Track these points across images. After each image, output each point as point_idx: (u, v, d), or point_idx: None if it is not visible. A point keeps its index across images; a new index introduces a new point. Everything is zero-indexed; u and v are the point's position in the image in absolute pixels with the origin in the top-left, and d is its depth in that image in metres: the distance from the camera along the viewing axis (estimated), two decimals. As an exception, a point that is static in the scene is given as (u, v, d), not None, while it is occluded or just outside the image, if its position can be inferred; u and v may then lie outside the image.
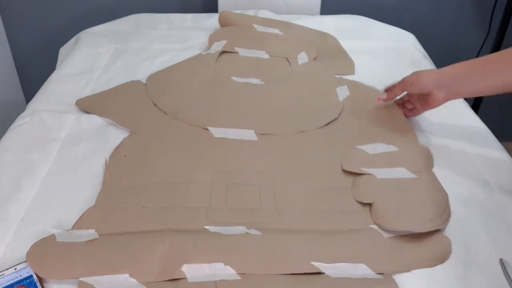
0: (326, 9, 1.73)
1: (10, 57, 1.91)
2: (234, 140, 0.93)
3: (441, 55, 1.78)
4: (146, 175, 0.83)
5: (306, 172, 0.86)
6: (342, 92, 1.10)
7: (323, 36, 1.37)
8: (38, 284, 0.63)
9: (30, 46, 1.90)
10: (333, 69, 1.21)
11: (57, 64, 1.36)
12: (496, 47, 1.68)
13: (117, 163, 0.85)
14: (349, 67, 1.23)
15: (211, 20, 1.48)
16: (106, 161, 0.86)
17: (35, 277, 0.64)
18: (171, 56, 1.26)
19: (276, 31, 1.35)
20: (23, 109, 1.03)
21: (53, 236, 0.69)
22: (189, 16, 1.51)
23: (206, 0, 1.79)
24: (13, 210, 0.76)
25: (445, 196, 0.79)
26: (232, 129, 0.96)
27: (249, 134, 0.95)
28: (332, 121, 1.00)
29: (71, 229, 0.72)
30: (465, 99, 1.10)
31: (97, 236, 0.69)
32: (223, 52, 1.25)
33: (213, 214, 0.75)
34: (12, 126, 0.97)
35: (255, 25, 1.36)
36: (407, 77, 0.94)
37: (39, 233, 0.72)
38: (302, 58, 1.24)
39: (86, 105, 1.03)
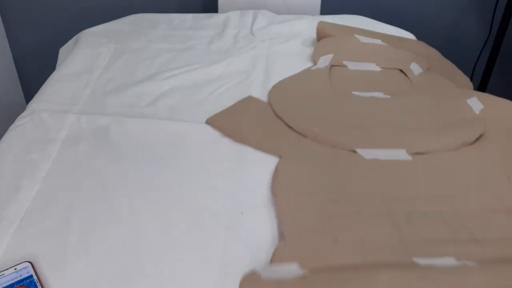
0: (326, 9, 1.73)
1: (10, 57, 1.91)
2: (387, 161, 0.86)
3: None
4: (320, 205, 0.77)
5: (484, 192, 0.79)
6: (475, 105, 1.03)
7: (424, 46, 1.31)
8: (38, 284, 0.63)
9: (30, 46, 1.90)
10: (451, 81, 1.13)
11: (57, 64, 1.36)
12: (496, 47, 1.68)
13: (284, 192, 0.79)
14: (464, 81, 1.15)
15: (211, 20, 1.48)
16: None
17: (35, 277, 0.64)
18: (171, 56, 1.26)
19: (378, 41, 1.29)
20: (23, 109, 1.03)
21: (257, 275, 0.65)
22: (189, 16, 1.51)
23: (206, 0, 1.79)
24: (13, 210, 0.76)
25: None
26: (382, 149, 0.88)
27: (401, 154, 0.87)
28: (480, 136, 0.93)
29: (270, 264, 0.68)
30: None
31: (300, 271, 0.65)
32: (331, 66, 1.19)
33: (412, 247, 0.69)
34: (12, 126, 0.97)
35: (357, 36, 1.30)
36: None
37: (39, 233, 0.72)
38: (415, 69, 1.18)
39: (219, 125, 0.97)
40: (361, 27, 1.47)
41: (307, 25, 1.44)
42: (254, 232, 0.74)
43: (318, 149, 0.90)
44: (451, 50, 1.89)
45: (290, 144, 0.92)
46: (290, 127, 0.96)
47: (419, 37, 1.45)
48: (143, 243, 0.71)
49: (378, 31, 1.45)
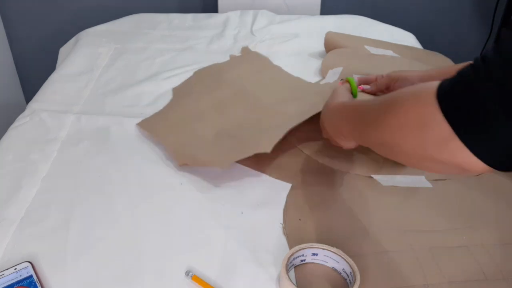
0: (326, 9, 1.73)
1: (10, 57, 1.91)
2: (405, 188, 0.80)
3: (441, 55, 1.78)
4: (336, 241, 0.70)
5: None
6: None
7: (437, 56, 1.26)
8: (38, 284, 0.63)
9: (30, 46, 1.90)
10: None
11: (57, 64, 1.36)
12: (496, 47, 1.68)
13: (294, 228, 0.74)
14: None
15: (211, 20, 1.48)
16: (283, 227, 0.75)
17: (35, 277, 0.64)
18: (171, 56, 1.26)
19: (390, 52, 1.23)
20: (23, 109, 1.03)
21: None
22: (189, 16, 1.51)
23: (206, 0, 1.79)
24: (13, 210, 0.76)
25: None
26: (400, 175, 0.82)
27: (420, 181, 0.82)
28: None
29: None
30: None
31: None
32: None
33: None
34: (12, 126, 0.97)
35: (367, 47, 1.23)
36: (392, 73, 0.92)
37: (39, 233, 0.72)
38: None
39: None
40: (361, 27, 1.47)
41: (307, 25, 1.44)
42: (254, 232, 0.74)
43: (331, 175, 0.83)
44: (451, 50, 1.89)
45: (301, 170, 0.85)
46: (300, 149, 0.90)
47: (419, 37, 1.45)
48: (143, 243, 0.71)
49: (378, 31, 1.45)
